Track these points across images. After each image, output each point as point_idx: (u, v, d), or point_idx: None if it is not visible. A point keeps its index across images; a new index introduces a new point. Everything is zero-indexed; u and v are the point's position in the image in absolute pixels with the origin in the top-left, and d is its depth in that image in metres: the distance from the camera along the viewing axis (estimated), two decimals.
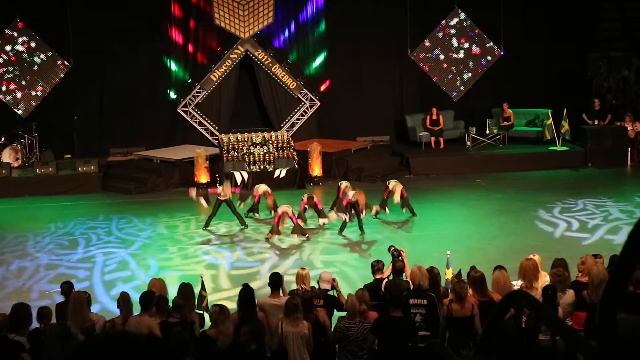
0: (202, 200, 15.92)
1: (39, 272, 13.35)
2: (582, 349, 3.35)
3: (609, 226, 15.06)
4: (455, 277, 9.75)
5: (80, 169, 19.49)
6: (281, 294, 9.08)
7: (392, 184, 15.94)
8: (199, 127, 21.69)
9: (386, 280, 9.46)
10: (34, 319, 8.19)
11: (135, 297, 8.94)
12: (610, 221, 15.38)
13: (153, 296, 8.48)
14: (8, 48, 20.60)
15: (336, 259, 13.65)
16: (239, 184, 18.33)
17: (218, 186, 15.92)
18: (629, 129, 21.02)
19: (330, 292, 9.34)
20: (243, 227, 15.50)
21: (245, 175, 18.90)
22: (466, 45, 22.55)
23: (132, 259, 13.81)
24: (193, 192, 16.06)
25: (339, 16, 21.93)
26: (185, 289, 9.12)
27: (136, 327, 7.91)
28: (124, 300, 8.71)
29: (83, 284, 12.21)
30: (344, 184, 15.93)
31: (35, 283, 12.85)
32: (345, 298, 8.80)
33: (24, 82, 20.74)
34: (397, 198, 15.61)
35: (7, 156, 19.78)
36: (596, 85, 22.19)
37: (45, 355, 7.37)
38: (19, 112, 20.62)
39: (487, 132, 21.79)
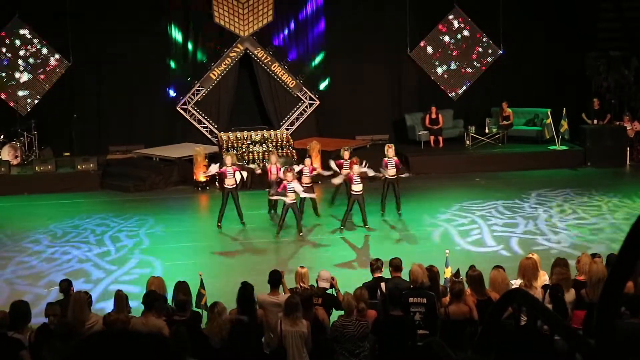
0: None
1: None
2: (581, 348, 3.35)
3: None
4: (454, 276, 9.76)
5: (79, 166, 19.49)
6: (281, 291, 9.08)
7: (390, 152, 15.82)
8: (198, 126, 21.67)
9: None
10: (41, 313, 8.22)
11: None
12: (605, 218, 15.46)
13: (157, 295, 8.45)
14: (8, 46, 20.59)
15: (334, 256, 13.66)
16: (237, 182, 18.29)
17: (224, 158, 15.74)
18: (628, 128, 21.03)
19: (329, 291, 9.34)
20: (243, 225, 15.44)
21: (245, 174, 18.88)
22: (465, 44, 22.57)
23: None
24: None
25: (339, 15, 21.92)
26: (182, 287, 9.11)
27: (142, 328, 7.84)
28: (119, 299, 8.68)
29: (87, 285, 12.13)
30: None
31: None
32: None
33: (23, 80, 20.74)
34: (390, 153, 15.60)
35: (6, 154, 19.77)
36: (595, 84, 22.20)
37: (46, 352, 7.37)
38: (18, 109, 20.62)
39: (487, 131, 21.80)
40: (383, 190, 15.84)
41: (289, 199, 14.40)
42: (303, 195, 14.81)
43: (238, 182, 15.73)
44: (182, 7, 21.35)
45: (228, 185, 15.28)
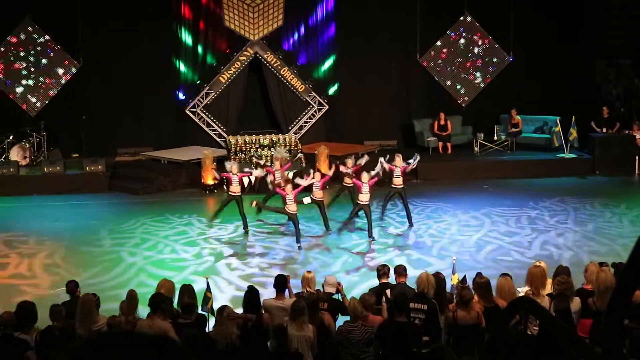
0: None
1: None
2: (588, 356, 3.34)
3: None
4: (460, 283, 9.75)
5: (87, 168, 19.52)
6: (287, 295, 9.07)
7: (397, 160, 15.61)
8: (206, 129, 21.70)
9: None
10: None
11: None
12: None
13: (163, 298, 8.44)
14: (18, 47, 20.68)
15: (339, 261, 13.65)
16: (245, 186, 18.32)
17: (227, 165, 15.77)
18: (637, 137, 20.99)
19: (335, 296, 9.32)
20: (246, 231, 15.43)
21: (252, 178, 18.89)
22: (475, 51, 22.56)
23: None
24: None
25: (349, 19, 21.93)
26: (187, 290, 9.10)
27: (148, 330, 7.82)
28: (130, 299, 8.67)
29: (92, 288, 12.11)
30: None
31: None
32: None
33: (33, 81, 20.81)
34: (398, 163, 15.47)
35: (15, 154, 19.84)
36: (605, 93, 22.15)
37: (53, 353, 7.38)
38: (28, 110, 20.68)
39: (495, 138, 21.77)
40: (384, 200, 15.80)
41: (291, 210, 14.37)
42: (307, 200, 14.88)
43: (246, 186, 15.76)
44: (193, 10, 21.40)
45: (233, 192, 15.29)
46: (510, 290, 8.72)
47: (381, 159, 15.37)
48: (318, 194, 15.17)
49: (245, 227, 15.40)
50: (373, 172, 14.93)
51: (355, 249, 14.38)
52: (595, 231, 15.24)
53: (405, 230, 15.49)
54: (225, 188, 18.00)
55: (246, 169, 16.79)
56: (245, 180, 18.50)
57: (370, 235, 14.67)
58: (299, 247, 14.29)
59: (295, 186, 14.62)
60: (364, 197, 14.49)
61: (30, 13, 20.54)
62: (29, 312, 8.01)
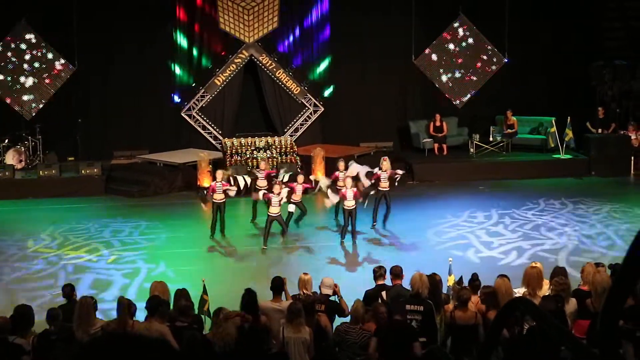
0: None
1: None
2: (585, 357, 3.34)
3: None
4: (457, 284, 9.78)
5: (83, 171, 19.49)
6: (283, 297, 9.07)
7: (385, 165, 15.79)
8: (202, 131, 21.68)
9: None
10: (44, 320, 8.17)
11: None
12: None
13: (161, 301, 8.41)
14: (14, 50, 20.64)
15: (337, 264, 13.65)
16: (241, 188, 18.29)
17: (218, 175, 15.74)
18: (632, 137, 21.02)
19: (332, 298, 9.32)
20: (211, 236, 15.32)
21: (248, 180, 18.89)
22: (470, 52, 22.56)
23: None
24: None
25: (344, 21, 21.92)
26: (182, 293, 9.08)
27: (146, 333, 7.78)
28: (120, 306, 8.65)
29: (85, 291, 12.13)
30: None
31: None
32: (347, 304, 8.81)
33: (28, 84, 20.78)
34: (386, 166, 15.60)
35: (11, 158, 19.79)
36: (600, 93, 22.18)
37: (51, 356, 7.37)
38: (23, 114, 20.65)
39: (491, 139, 21.80)
40: (375, 203, 15.79)
41: (273, 212, 14.44)
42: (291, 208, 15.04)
43: (241, 190, 15.71)
44: (188, 13, 21.38)
45: (217, 200, 15.31)
46: (508, 291, 8.73)
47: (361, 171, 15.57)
48: (297, 197, 15.37)
49: (223, 231, 15.42)
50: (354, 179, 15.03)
51: (353, 249, 14.41)
52: (591, 232, 15.27)
53: (402, 231, 15.51)
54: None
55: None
56: (241, 183, 18.50)
57: (353, 239, 14.78)
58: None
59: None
60: (349, 203, 14.67)
61: (25, 16, 20.50)
62: (26, 315, 7.99)
